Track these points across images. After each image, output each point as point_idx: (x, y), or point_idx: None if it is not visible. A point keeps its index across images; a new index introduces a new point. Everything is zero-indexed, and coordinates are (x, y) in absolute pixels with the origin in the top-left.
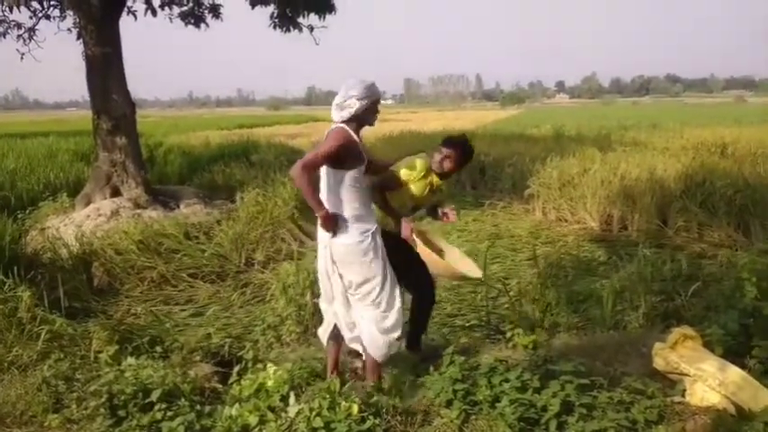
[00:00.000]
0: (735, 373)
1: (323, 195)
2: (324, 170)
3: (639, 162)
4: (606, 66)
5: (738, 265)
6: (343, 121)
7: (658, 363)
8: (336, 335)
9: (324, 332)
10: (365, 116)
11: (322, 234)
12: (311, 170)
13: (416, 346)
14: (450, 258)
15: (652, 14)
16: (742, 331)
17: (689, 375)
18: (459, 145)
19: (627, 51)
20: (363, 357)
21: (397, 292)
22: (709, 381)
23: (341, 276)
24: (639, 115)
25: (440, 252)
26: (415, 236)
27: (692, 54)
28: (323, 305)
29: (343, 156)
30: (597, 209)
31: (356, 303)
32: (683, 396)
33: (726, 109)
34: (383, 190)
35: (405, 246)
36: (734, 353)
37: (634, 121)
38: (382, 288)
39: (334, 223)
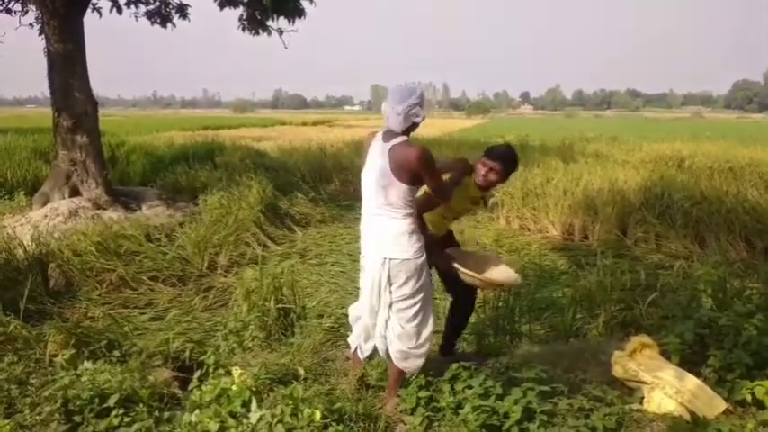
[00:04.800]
0: (691, 381)
1: (380, 211)
2: (384, 184)
3: (601, 174)
4: (569, 78)
5: (695, 276)
6: (403, 131)
7: (617, 370)
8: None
9: (353, 342)
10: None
11: (377, 248)
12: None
13: (451, 352)
14: (489, 270)
15: (615, 30)
16: (698, 341)
17: (647, 383)
18: (505, 156)
19: (590, 65)
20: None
21: (431, 310)
22: (666, 388)
23: (391, 292)
24: (601, 128)
25: (478, 264)
26: (455, 264)
27: (653, 70)
28: (355, 314)
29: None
30: (559, 218)
31: (392, 315)
32: (641, 403)
33: (684, 124)
34: (421, 212)
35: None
36: (690, 362)
37: (596, 133)
38: (422, 305)
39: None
